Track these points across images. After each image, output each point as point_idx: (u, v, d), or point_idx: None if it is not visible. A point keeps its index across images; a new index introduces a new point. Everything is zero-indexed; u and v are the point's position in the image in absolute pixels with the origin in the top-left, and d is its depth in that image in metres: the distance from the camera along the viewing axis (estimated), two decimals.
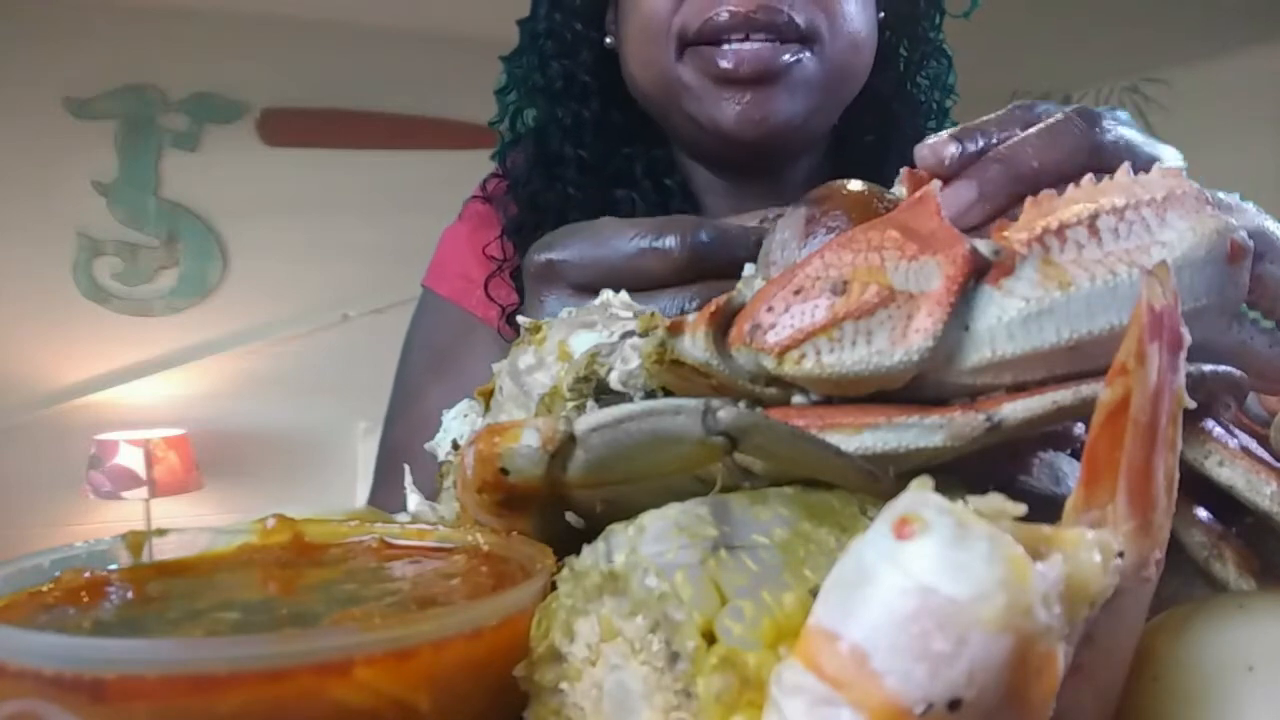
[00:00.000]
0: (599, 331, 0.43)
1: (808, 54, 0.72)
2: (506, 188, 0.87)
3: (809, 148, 0.82)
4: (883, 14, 0.82)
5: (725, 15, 0.69)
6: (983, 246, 0.30)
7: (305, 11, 3.23)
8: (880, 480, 0.30)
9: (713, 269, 0.48)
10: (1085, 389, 0.29)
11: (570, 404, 0.39)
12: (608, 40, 0.83)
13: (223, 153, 3.28)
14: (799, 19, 0.70)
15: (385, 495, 0.84)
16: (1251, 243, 0.31)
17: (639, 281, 0.49)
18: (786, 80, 0.71)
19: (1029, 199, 0.32)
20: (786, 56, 0.70)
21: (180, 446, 3.03)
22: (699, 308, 0.47)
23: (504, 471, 0.31)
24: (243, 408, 3.31)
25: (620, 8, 0.79)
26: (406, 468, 0.46)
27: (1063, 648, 0.20)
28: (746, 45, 0.70)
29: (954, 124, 0.92)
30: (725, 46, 0.70)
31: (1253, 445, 0.30)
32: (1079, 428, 0.35)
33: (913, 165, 0.42)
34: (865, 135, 0.86)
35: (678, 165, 0.85)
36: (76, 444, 3.00)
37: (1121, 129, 0.41)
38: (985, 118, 0.43)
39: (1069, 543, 0.21)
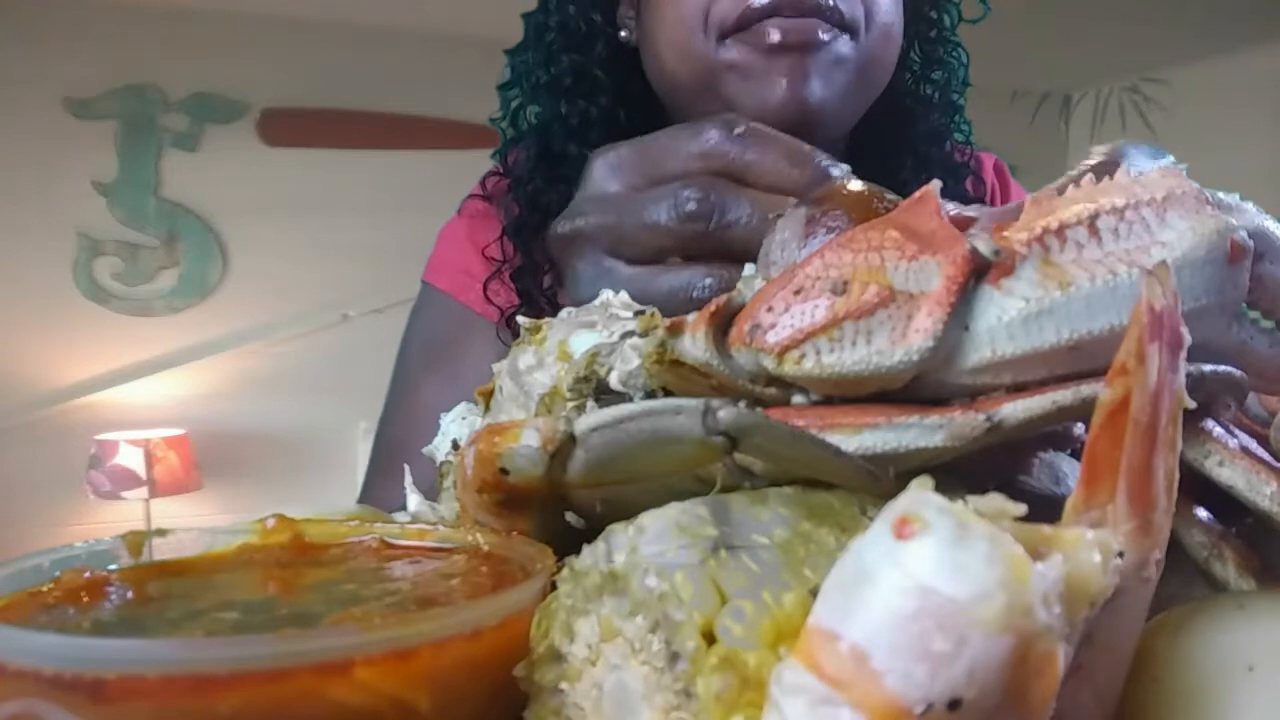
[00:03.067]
0: (599, 331, 0.43)
1: (845, 37, 0.72)
2: (507, 186, 0.86)
3: (832, 145, 0.81)
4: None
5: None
6: (983, 246, 0.30)
7: (305, 11, 3.23)
8: (880, 480, 0.30)
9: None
10: (1085, 389, 0.29)
11: (570, 404, 0.39)
12: (622, 34, 0.82)
13: (223, 153, 3.28)
14: (843, 7, 0.71)
15: (379, 489, 0.83)
16: (1251, 243, 0.31)
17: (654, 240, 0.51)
18: (825, 52, 0.71)
19: (1029, 198, 0.32)
20: (823, 34, 0.70)
21: (180, 446, 3.03)
22: (712, 291, 0.48)
23: (504, 471, 0.31)
24: (243, 408, 3.31)
25: (644, 2, 0.78)
26: (406, 468, 0.46)
27: (1063, 648, 0.20)
28: (790, 21, 0.69)
29: (967, 122, 0.93)
30: (769, 20, 0.70)
31: (1253, 445, 0.30)
32: (1079, 428, 0.35)
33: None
34: (880, 132, 0.85)
35: None
36: (76, 444, 3.00)
37: None
38: None
39: (1069, 543, 0.21)
